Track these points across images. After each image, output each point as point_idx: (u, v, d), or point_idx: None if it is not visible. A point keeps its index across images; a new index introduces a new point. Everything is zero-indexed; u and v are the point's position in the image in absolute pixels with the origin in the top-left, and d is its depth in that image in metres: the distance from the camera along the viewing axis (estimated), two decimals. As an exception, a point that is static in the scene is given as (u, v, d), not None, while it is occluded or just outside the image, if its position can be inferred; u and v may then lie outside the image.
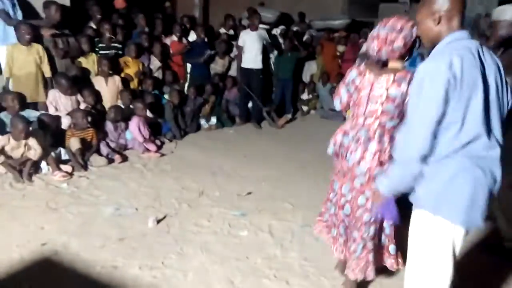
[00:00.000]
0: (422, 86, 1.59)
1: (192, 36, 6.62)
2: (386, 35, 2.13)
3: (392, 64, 2.19)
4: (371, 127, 2.24)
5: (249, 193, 4.00)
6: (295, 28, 8.01)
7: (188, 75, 6.43)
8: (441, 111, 1.58)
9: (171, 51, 6.28)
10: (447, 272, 1.78)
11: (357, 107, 2.30)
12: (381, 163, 2.22)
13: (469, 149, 1.64)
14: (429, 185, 1.71)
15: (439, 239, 1.75)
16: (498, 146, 1.68)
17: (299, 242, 3.19)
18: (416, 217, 1.83)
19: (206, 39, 6.52)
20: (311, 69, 7.30)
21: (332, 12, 9.12)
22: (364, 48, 2.48)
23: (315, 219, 2.76)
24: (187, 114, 5.87)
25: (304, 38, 7.91)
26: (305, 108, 7.16)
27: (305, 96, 7.16)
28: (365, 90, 2.25)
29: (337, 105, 2.46)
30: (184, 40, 6.44)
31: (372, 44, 2.19)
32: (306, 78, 7.33)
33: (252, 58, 6.09)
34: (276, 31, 7.63)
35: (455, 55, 1.58)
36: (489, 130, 1.65)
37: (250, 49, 6.16)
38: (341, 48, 7.38)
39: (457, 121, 1.60)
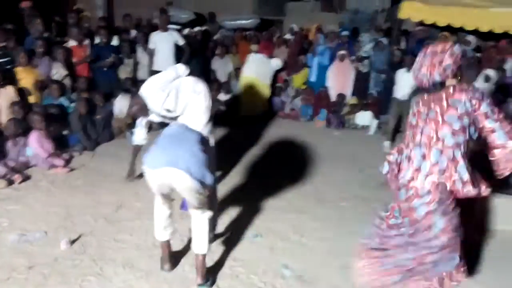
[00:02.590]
0: None
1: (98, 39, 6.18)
2: (431, 60, 2.25)
3: (449, 82, 2.27)
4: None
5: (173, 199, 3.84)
6: (204, 28, 7.95)
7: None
8: None
9: (74, 57, 5.79)
10: None
11: (414, 130, 2.38)
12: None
13: None
14: None
15: None
16: None
17: (226, 243, 3.14)
18: None
19: (114, 42, 6.14)
20: (227, 68, 7.29)
21: (242, 11, 9.23)
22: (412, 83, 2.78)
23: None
24: (97, 123, 5.47)
25: (216, 37, 7.89)
26: (222, 107, 7.13)
27: (222, 96, 7.13)
28: (424, 113, 2.33)
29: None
30: (86, 42, 5.95)
31: (421, 72, 2.29)
32: (222, 77, 7.29)
33: (163, 60, 5.88)
34: (191, 31, 7.51)
35: None
36: None
37: (161, 51, 5.94)
38: (254, 47, 7.47)
39: None
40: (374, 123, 6.38)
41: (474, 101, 2.18)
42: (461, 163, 2.23)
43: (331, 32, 7.23)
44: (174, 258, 2.84)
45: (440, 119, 2.23)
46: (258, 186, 4.24)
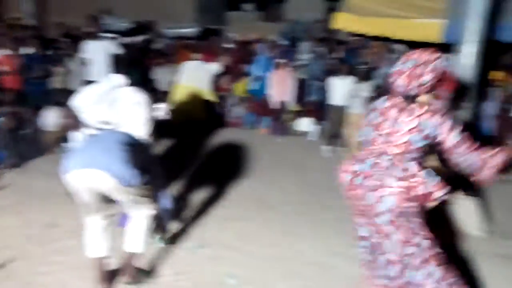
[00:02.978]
0: None
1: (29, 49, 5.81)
2: (412, 70, 2.09)
3: (422, 98, 2.14)
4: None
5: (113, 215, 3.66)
6: (142, 38, 7.77)
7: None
8: None
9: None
10: None
11: (378, 133, 2.23)
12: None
13: None
14: None
15: None
16: None
17: (167, 255, 3.05)
18: None
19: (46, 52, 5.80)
20: (168, 77, 7.13)
21: (183, 20, 9.13)
22: (379, 83, 2.46)
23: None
24: (26, 137, 5.11)
25: (156, 46, 7.73)
26: (164, 116, 6.97)
27: (163, 106, 6.96)
28: (392, 117, 2.17)
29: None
30: (17, 51, 5.57)
31: (399, 80, 2.13)
32: (163, 86, 7.13)
33: (98, 70, 5.64)
34: (132, 40, 7.29)
35: None
36: None
37: (95, 60, 5.70)
38: (195, 55, 7.41)
39: None
40: (314, 128, 6.56)
41: (443, 130, 2.06)
42: (420, 172, 2.12)
43: (271, 41, 7.37)
44: (111, 277, 2.70)
45: (404, 133, 2.11)
46: (201, 195, 4.18)
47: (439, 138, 2.08)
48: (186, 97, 6.47)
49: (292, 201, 4.27)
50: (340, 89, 5.72)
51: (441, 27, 4.96)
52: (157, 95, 7.01)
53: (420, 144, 2.10)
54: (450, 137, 2.06)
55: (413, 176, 2.09)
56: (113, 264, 2.75)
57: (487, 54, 5.52)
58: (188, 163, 5.10)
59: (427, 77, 2.08)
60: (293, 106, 6.72)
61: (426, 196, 2.09)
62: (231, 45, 7.37)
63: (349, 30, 6.05)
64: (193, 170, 4.91)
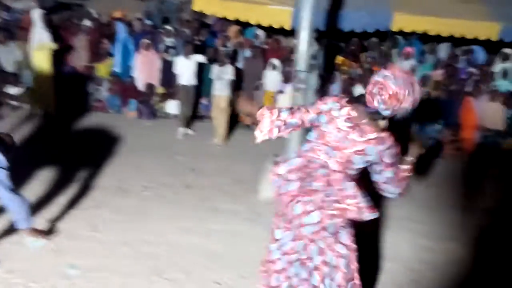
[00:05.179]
0: None
1: None
2: (399, 91, 1.89)
3: (381, 122, 2.01)
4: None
5: None
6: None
7: None
8: None
9: None
10: None
11: (322, 142, 2.04)
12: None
13: None
14: None
15: None
16: None
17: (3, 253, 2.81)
18: None
19: None
20: (13, 56, 6.31)
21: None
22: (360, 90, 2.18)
23: None
24: None
25: None
26: (13, 102, 6.21)
27: (11, 90, 6.19)
28: (342, 130, 1.99)
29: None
30: None
31: (381, 95, 1.92)
32: (8, 67, 6.29)
33: None
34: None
35: None
36: None
37: None
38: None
39: None
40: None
41: (384, 155, 1.98)
42: (357, 193, 2.01)
43: (135, 20, 7.06)
44: None
45: (350, 153, 1.99)
46: (55, 184, 3.90)
47: (378, 166, 2.02)
48: (36, 81, 5.88)
49: (154, 184, 4.26)
50: (186, 69, 5.75)
51: (291, 14, 5.39)
52: (5, 77, 6.23)
53: (361, 165, 2.02)
54: (388, 167, 2.01)
55: (349, 197, 1.99)
56: None
57: (331, 41, 6.24)
58: (45, 151, 4.66)
59: (408, 103, 1.92)
60: (160, 88, 6.61)
61: (357, 217, 2.02)
62: (90, 23, 6.83)
63: (208, 12, 6.14)
64: (49, 157, 4.47)
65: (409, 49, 6.33)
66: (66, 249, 2.96)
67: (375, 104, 1.94)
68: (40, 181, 3.97)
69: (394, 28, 5.98)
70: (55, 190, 3.80)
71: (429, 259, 3.24)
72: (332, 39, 6.25)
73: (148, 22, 7.15)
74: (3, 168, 2.59)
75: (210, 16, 6.81)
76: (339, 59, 6.30)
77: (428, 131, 5.82)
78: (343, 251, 2.05)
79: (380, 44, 6.71)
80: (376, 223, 3.69)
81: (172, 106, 6.59)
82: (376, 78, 1.95)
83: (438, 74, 6.19)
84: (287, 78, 5.78)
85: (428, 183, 4.82)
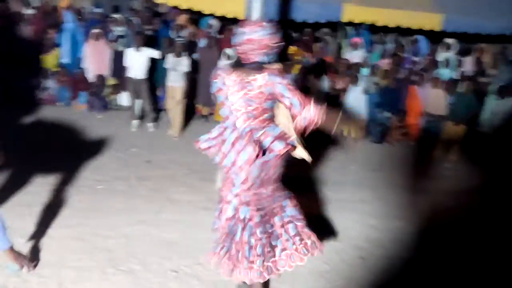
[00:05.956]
0: None
1: None
2: (254, 38, 2.15)
3: (270, 65, 2.21)
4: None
5: None
6: None
7: None
8: None
9: None
10: None
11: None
12: None
13: None
14: None
15: None
16: None
17: None
18: None
19: None
20: None
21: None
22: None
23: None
24: None
25: None
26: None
27: None
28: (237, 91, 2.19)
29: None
30: None
31: (244, 48, 2.19)
32: None
33: None
34: None
35: None
36: None
37: None
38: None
39: None
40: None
41: (277, 87, 2.17)
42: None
43: (82, 8, 6.80)
44: None
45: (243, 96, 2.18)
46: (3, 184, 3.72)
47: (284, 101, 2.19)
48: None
49: (108, 178, 4.18)
50: (136, 62, 5.57)
51: (244, 4, 5.41)
52: None
53: (264, 105, 2.18)
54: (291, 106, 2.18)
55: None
56: None
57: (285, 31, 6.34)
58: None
59: (265, 44, 2.17)
60: (111, 79, 6.43)
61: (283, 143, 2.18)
62: (32, 11, 6.47)
63: (159, 1, 6.03)
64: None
65: (356, 39, 6.57)
66: (17, 246, 2.85)
67: (250, 58, 2.20)
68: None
69: (344, 19, 6.18)
70: (0, 188, 3.64)
71: (376, 237, 3.44)
72: (285, 29, 6.35)
73: (98, 10, 6.90)
74: None
75: (163, 5, 6.70)
76: (292, 49, 6.42)
77: (379, 119, 6.11)
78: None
79: (332, 35, 6.92)
80: (324, 204, 3.88)
81: (125, 98, 6.43)
82: (235, 40, 2.24)
83: (385, 63, 6.48)
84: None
85: (376, 167, 5.08)
